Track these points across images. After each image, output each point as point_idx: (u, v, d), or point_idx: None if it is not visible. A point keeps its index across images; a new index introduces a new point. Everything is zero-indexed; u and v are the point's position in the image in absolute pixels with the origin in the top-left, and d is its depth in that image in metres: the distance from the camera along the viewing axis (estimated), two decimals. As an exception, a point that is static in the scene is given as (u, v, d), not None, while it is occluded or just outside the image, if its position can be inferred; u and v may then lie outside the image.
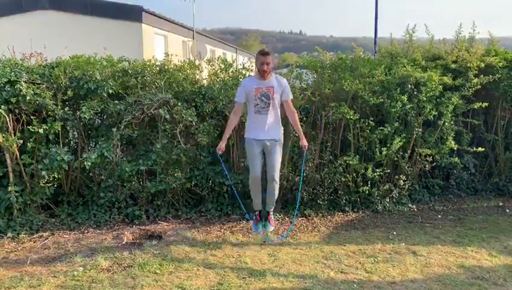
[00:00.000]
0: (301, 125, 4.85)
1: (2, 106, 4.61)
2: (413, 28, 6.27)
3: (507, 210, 5.75)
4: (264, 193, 4.68)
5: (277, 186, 4.59)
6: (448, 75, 5.76)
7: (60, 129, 4.88)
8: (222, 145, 4.55)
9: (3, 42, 5.79)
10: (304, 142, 4.64)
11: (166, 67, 5.38)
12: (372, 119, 5.46)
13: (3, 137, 4.61)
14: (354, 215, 5.49)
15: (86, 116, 4.83)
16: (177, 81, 5.32)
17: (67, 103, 5.06)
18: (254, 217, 4.76)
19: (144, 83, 5.23)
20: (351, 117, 5.28)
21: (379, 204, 5.63)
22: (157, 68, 5.37)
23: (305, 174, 5.41)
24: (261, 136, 4.47)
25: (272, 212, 4.74)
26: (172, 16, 18.54)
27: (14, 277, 3.79)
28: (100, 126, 5.28)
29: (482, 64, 5.96)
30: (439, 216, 5.51)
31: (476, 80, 5.84)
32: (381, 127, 5.46)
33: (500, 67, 6.01)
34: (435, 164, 5.90)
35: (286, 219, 5.32)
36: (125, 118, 4.99)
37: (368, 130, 5.47)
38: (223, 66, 5.44)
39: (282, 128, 4.64)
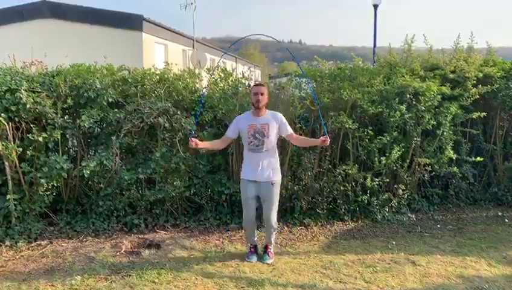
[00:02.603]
0: (300, 134, 4.84)
1: (2, 114, 4.61)
2: (411, 38, 6.32)
3: (506, 220, 5.74)
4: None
5: (274, 230, 4.35)
6: (446, 85, 5.80)
7: (59, 137, 4.88)
8: (200, 143, 4.19)
9: (3, 50, 5.81)
10: (320, 139, 4.20)
11: (166, 76, 5.40)
12: (371, 128, 5.47)
13: (3, 145, 4.62)
14: (353, 225, 5.48)
15: (85, 124, 4.84)
16: (177, 90, 5.33)
17: (67, 111, 5.08)
18: (248, 249, 4.51)
19: (144, 91, 5.24)
20: (350, 126, 5.29)
21: (378, 213, 5.62)
22: (157, 77, 5.39)
23: (304, 183, 5.41)
24: (255, 177, 4.19)
25: (270, 246, 4.46)
26: (172, 25, 18.67)
27: (12, 286, 3.77)
28: (100, 134, 5.29)
29: (480, 74, 6.00)
30: (438, 226, 5.50)
31: (474, 90, 5.88)
32: (380, 137, 5.47)
33: (498, 77, 6.06)
34: (433, 173, 5.91)
35: (285, 228, 5.31)
36: (124, 127, 5.00)
37: (366, 139, 5.48)
38: (222, 75, 5.47)
39: (279, 169, 4.37)
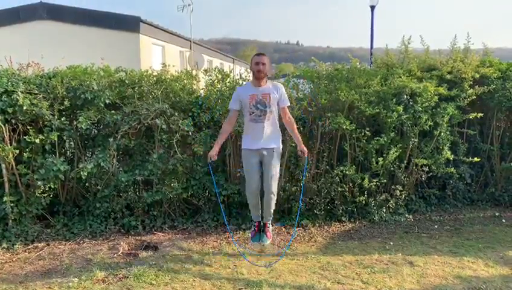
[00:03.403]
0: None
1: (-1, 116, 4.60)
2: (408, 39, 6.33)
3: (503, 220, 5.76)
4: (261, 203, 4.55)
5: (274, 198, 4.35)
6: (443, 86, 5.81)
7: (56, 139, 4.87)
8: (213, 152, 4.26)
9: (0, 52, 5.80)
10: (303, 147, 4.34)
11: (163, 77, 5.39)
12: (368, 129, 5.48)
13: (0, 147, 4.60)
14: (350, 226, 5.48)
15: (82, 126, 4.82)
16: (174, 91, 5.33)
17: (64, 113, 5.06)
18: (252, 229, 4.60)
19: (141, 93, 5.24)
20: (347, 127, 5.30)
21: (376, 214, 5.63)
22: (154, 78, 5.38)
23: (302, 184, 5.41)
24: (258, 145, 4.24)
25: (269, 224, 4.54)
26: (169, 27, 18.63)
27: (9, 288, 3.76)
28: (97, 136, 5.28)
29: (477, 75, 6.02)
30: (436, 226, 5.51)
31: (471, 91, 5.89)
32: (377, 137, 5.48)
33: (494, 78, 6.07)
34: (431, 174, 5.92)
35: (283, 229, 5.30)
36: (121, 128, 4.99)
37: (364, 140, 5.49)
38: (219, 76, 5.47)
39: (281, 136, 4.45)
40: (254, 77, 4.27)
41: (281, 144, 4.42)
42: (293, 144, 5.20)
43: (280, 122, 4.50)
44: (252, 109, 4.22)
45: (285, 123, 4.46)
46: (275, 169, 4.30)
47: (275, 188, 4.32)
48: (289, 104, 4.43)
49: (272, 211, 4.49)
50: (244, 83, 5.43)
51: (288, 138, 5.12)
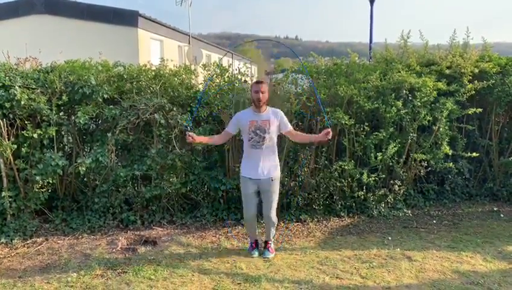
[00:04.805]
0: (296, 130, 4.83)
1: (-4, 111, 4.59)
2: (407, 34, 6.31)
3: (501, 215, 5.77)
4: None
5: (274, 224, 4.37)
6: (442, 81, 5.79)
7: (54, 134, 4.86)
8: (197, 137, 4.23)
9: (-2, 47, 5.76)
10: (321, 134, 4.24)
11: (161, 72, 5.37)
12: (367, 124, 5.47)
13: (-3, 142, 4.59)
14: (349, 221, 5.49)
15: (81, 121, 4.81)
16: (173, 86, 5.31)
17: (62, 107, 5.05)
18: (249, 244, 4.54)
19: (139, 87, 5.22)
20: (346, 122, 5.29)
21: (374, 209, 5.64)
22: (153, 73, 5.36)
23: (301, 179, 5.41)
24: (256, 175, 4.20)
25: (270, 242, 4.48)
26: (168, 21, 18.55)
27: (7, 283, 3.76)
28: (95, 131, 5.26)
29: (476, 70, 6.00)
30: (434, 221, 5.52)
31: (470, 86, 5.88)
32: (376, 132, 5.47)
33: (493, 73, 6.06)
34: (429, 169, 5.91)
35: (281, 223, 5.31)
36: (120, 123, 4.98)
37: (363, 135, 5.49)
38: (218, 70, 5.45)
39: (279, 165, 4.38)
40: (254, 104, 4.25)
41: (279, 172, 4.37)
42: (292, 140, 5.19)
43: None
44: (251, 135, 4.19)
45: (296, 140, 4.58)
46: (274, 198, 4.28)
47: (274, 214, 4.31)
48: (290, 128, 4.34)
49: (273, 234, 4.49)
50: (242, 78, 5.43)
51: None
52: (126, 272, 3.97)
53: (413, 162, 5.82)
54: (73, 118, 5.03)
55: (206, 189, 5.56)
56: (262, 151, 4.20)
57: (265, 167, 4.21)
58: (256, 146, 4.20)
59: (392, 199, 5.77)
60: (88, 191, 5.26)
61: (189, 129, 4.49)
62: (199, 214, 5.40)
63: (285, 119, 4.32)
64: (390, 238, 4.92)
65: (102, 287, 3.68)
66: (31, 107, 4.73)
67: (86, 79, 4.93)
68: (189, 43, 18.79)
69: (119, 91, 5.21)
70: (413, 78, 5.60)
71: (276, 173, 4.30)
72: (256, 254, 4.41)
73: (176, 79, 5.38)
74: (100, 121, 5.28)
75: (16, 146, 4.71)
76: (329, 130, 4.19)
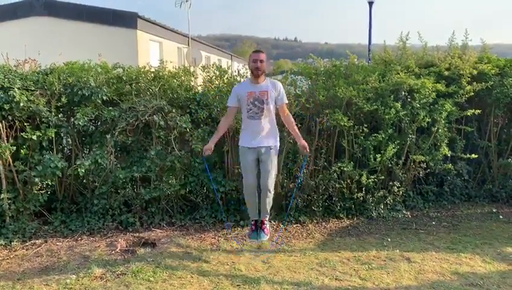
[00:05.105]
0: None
1: (-5, 113, 4.58)
2: (406, 36, 6.32)
3: (500, 216, 5.77)
4: (259, 201, 4.54)
5: (271, 196, 4.37)
6: (441, 82, 5.80)
7: (53, 136, 4.86)
8: (210, 145, 4.33)
9: (-3, 48, 5.76)
10: (303, 142, 4.29)
11: (161, 73, 5.37)
12: (366, 126, 5.47)
13: (-4, 144, 4.59)
14: (348, 222, 5.49)
15: (80, 122, 4.81)
16: (172, 88, 5.31)
17: (61, 109, 5.05)
18: (250, 226, 4.59)
19: (139, 89, 5.22)
20: (345, 124, 5.29)
21: (373, 211, 5.64)
22: (152, 75, 5.37)
23: (300, 180, 5.41)
24: (255, 143, 4.24)
25: (266, 221, 4.53)
26: (167, 23, 18.58)
27: (6, 286, 3.75)
28: (94, 133, 5.26)
29: (475, 72, 6.01)
30: (433, 223, 5.52)
31: (469, 87, 5.89)
32: (375, 134, 5.48)
33: (492, 74, 6.07)
34: (428, 170, 5.92)
35: (281, 225, 5.31)
36: (119, 125, 4.97)
37: (362, 137, 5.49)
38: (217, 72, 5.45)
39: (278, 134, 4.45)
40: (252, 74, 4.27)
41: (278, 142, 4.41)
42: (291, 141, 5.21)
43: (279, 120, 4.48)
44: (250, 106, 4.21)
45: (284, 121, 4.44)
46: (273, 167, 4.30)
47: (272, 185, 4.32)
48: (287, 102, 4.41)
49: (269, 208, 4.49)
50: (243, 80, 5.43)
51: (286, 134, 5.11)
52: (125, 274, 3.96)
53: (412, 164, 5.82)
54: (72, 119, 5.03)
55: (205, 191, 5.56)
56: (261, 121, 4.23)
57: (264, 137, 4.25)
58: (254, 117, 4.22)
59: (391, 201, 5.78)
60: (87, 193, 5.26)
61: (204, 154, 4.44)
62: (198, 216, 5.40)
63: (283, 92, 4.35)
64: (389, 239, 4.92)
65: (101, 289, 3.68)
66: (30, 109, 4.73)
67: (85, 81, 4.93)
68: (188, 44, 18.79)
69: (118, 93, 5.21)
70: (412, 80, 5.61)
71: (276, 143, 4.34)
72: (255, 237, 4.45)
73: (175, 81, 5.39)
74: (99, 122, 5.28)
75: (15, 148, 4.70)
76: (306, 145, 4.29)
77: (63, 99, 4.88)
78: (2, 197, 4.68)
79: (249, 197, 4.42)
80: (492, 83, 5.97)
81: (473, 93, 5.94)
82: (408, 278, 3.91)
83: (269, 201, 4.41)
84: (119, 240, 4.76)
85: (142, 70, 5.37)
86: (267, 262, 4.26)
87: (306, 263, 4.24)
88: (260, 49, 4.55)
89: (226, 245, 4.72)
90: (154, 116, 5.00)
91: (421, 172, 5.86)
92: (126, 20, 15.91)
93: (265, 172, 4.28)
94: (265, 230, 4.49)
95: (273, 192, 4.40)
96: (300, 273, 4.00)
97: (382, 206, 5.71)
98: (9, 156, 4.69)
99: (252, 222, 4.55)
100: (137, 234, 4.98)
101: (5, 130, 4.69)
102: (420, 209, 5.95)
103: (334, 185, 5.51)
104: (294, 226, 5.32)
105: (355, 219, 5.59)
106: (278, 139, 4.43)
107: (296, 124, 5.31)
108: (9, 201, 4.74)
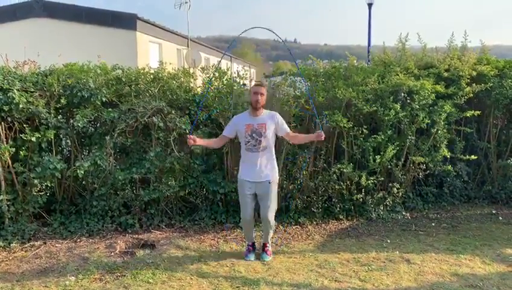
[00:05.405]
0: (295, 132, 4.82)
1: (-5, 114, 4.58)
2: (405, 37, 6.33)
3: (500, 218, 5.77)
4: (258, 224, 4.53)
5: (272, 227, 4.37)
6: (440, 84, 5.81)
7: (52, 137, 4.85)
8: (197, 139, 4.21)
9: (-4, 50, 5.75)
10: (315, 134, 4.27)
11: (160, 75, 5.37)
12: (365, 127, 5.47)
13: (-5, 145, 4.58)
14: (348, 223, 5.48)
15: (79, 124, 4.81)
16: (171, 89, 5.31)
17: (60, 111, 5.05)
18: (246, 247, 4.53)
19: (138, 91, 5.22)
20: (345, 125, 5.29)
21: (373, 212, 5.63)
22: (151, 76, 5.36)
23: (300, 181, 5.41)
24: (253, 177, 4.22)
25: (268, 244, 4.48)
26: (166, 24, 18.58)
27: (5, 287, 3.74)
28: (93, 134, 5.26)
29: (474, 73, 6.02)
30: (433, 224, 5.52)
31: (468, 88, 5.89)
32: (374, 135, 5.48)
33: (491, 75, 6.08)
34: (428, 171, 5.92)
35: (280, 227, 5.30)
36: (118, 126, 4.97)
37: (361, 138, 5.49)
38: (217, 74, 5.45)
39: (276, 168, 4.37)
40: (251, 106, 4.25)
41: (277, 175, 4.36)
42: (290, 143, 5.19)
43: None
44: (248, 138, 4.19)
45: (294, 141, 4.75)
46: (272, 201, 4.26)
47: (272, 217, 4.29)
48: (288, 131, 4.35)
49: (270, 236, 4.49)
50: (241, 81, 5.44)
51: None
52: (124, 275, 3.95)
53: (411, 165, 5.82)
54: (71, 121, 5.02)
55: (204, 192, 5.56)
56: (258, 154, 4.20)
57: (262, 170, 4.22)
58: (252, 149, 4.20)
59: (391, 202, 5.77)
60: (86, 194, 5.25)
61: (189, 132, 4.46)
62: (198, 217, 5.39)
63: (283, 122, 4.32)
64: (389, 241, 4.92)
65: (100, 291, 3.68)
66: (30, 110, 4.72)
67: (85, 82, 4.93)
68: (187, 46, 18.81)
69: (118, 94, 5.20)
70: (411, 81, 5.61)
71: (274, 176, 4.29)
72: (252, 257, 4.39)
73: (175, 82, 5.39)
74: (98, 124, 5.27)
75: (14, 149, 4.70)
76: (322, 132, 4.22)
77: (63, 100, 4.88)
78: (1, 198, 4.67)
79: (246, 227, 4.44)
80: (491, 84, 5.99)
81: (472, 95, 5.94)
82: (408, 280, 3.90)
83: (271, 232, 4.43)
84: (119, 241, 4.76)
85: (142, 71, 5.37)
86: (266, 264, 4.26)
87: (305, 265, 4.23)
88: (260, 82, 4.57)
89: (226, 247, 4.72)
90: (154, 117, 5.00)
91: (420, 173, 5.86)
92: (125, 21, 15.91)
93: (265, 207, 4.25)
94: (267, 252, 4.44)
95: (274, 224, 4.39)
96: (300, 275, 3.99)
97: (382, 208, 5.71)
98: (8, 158, 4.68)
99: (249, 245, 4.51)
100: (136, 235, 4.97)
101: (4, 131, 4.69)
102: (420, 211, 5.95)
103: (334, 187, 5.51)
104: (294, 227, 5.31)
105: (354, 220, 5.58)
106: (277, 172, 4.37)
107: (296, 126, 5.35)
108: (8, 203, 4.74)
